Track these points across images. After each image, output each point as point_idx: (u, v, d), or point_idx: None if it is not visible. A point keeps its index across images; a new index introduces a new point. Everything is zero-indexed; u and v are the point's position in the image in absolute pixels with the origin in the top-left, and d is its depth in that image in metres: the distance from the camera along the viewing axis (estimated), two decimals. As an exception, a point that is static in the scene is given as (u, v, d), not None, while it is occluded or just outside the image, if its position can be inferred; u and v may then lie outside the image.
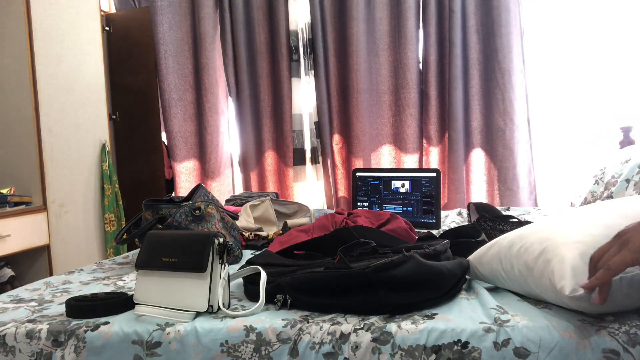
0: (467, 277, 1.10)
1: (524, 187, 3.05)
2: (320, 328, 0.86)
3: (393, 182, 2.06)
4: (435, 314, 0.89)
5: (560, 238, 0.87)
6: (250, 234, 1.76)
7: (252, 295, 1.02)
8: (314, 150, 3.22)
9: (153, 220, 1.40)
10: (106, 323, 0.92)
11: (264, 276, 0.99)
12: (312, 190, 3.28)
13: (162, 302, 0.95)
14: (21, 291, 1.22)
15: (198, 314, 0.94)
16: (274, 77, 3.26)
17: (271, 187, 3.33)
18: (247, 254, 1.56)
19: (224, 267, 0.97)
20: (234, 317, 0.91)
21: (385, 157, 3.18)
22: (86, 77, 2.85)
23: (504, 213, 1.89)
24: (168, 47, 3.23)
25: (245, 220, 1.88)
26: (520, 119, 3.01)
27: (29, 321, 0.95)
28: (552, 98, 3.07)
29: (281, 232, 1.79)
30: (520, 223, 1.47)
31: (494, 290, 1.03)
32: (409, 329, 0.83)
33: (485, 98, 3.06)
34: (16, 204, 2.34)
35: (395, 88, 3.13)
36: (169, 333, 0.88)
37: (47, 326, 0.92)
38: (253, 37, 3.25)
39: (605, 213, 0.95)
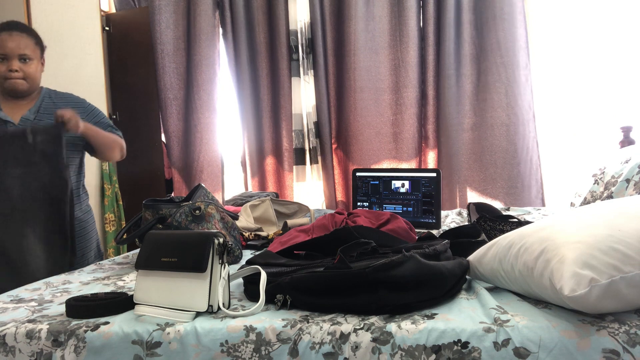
0: (467, 277, 1.10)
1: (531, 185, 3.01)
2: (320, 328, 0.86)
3: (393, 182, 2.06)
4: (435, 314, 0.89)
5: (560, 238, 0.87)
6: (250, 234, 1.76)
7: (252, 295, 1.02)
8: (313, 150, 3.22)
9: (153, 220, 1.40)
10: (106, 323, 0.92)
11: (264, 276, 0.99)
12: (311, 190, 3.27)
13: (162, 302, 0.95)
14: (21, 291, 1.22)
15: (198, 314, 0.94)
16: (274, 76, 3.26)
17: (271, 187, 3.33)
18: (247, 254, 1.56)
19: (224, 267, 0.97)
20: (234, 317, 0.91)
21: (385, 157, 3.18)
22: (86, 77, 2.85)
23: (504, 213, 1.89)
24: (165, 47, 3.23)
25: (245, 220, 1.88)
26: (527, 115, 2.98)
27: (29, 321, 0.95)
28: (552, 98, 3.06)
29: (281, 232, 1.79)
30: (520, 223, 1.47)
31: (494, 290, 1.03)
32: (409, 329, 0.83)
33: (485, 92, 3.03)
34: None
35: (396, 87, 3.13)
36: (169, 333, 0.88)
37: (47, 326, 0.92)
38: (253, 36, 3.25)
39: (606, 213, 0.95)
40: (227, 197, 3.29)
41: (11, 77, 1.68)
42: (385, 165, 3.16)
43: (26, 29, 1.76)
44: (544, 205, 3.02)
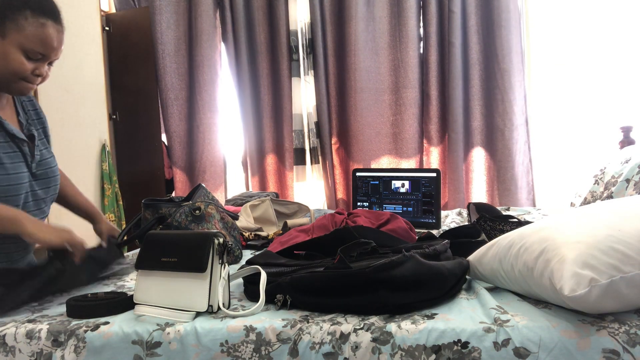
0: (467, 277, 1.10)
1: (522, 187, 3.05)
2: (320, 328, 0.86)
3: (393, 182, 2.05)
4: (435, 314, 0.89)
5: (560, 238, 0.87)
6: (250, 234, 1.76)
7: (252, 295, 1.02)
8: (313, 150, 3.22)
9: (153, 220, 1.40)
10: (106, 323, 0.92)
11: (264, 276, 0.99)
12: (312, 190, 3.27)
13: (162, 302, 0.95)
14: (21, 291, 1.21)
15: (198, 314, 0.94)
16: (275, 76, 3.26)
17: (271, 187, 3.33)
18: (247, 254, 1.56)
19: (224, 267, 0.97)
20: (234, 317, 0.91)
21: (385, 157, 3.18)
22: (86, 77, 2.85)
23: (504, 213, 1.89)
24: (166, 47, 3.23)
25: (245, 220, 1.88)
26: (519, 120, 3.02)
27: (29, 321, 0.95)
28: (552, 98, 3.07)
29: (281, 232, 1.79)
30: (520, 223, 1.47)
31: (494, 290, 1.03)
32: (409, 329, 0.83)
33: (485, 98, 3.07)
34: (16, 204, 2.34)
35: (396, 87, 3.13)
36: (169, 333, 0.88)
37: (47, 326, 0.92)
38: (254, 37, 3.25)
39: (606, 213, 0.95)
40: (230, 196, 3.30)
41: (30, 82, 1.23)
42: (385, 165, 3.16)
43: (61, 20, 1.22)
44: (534, 207, 3.06)
